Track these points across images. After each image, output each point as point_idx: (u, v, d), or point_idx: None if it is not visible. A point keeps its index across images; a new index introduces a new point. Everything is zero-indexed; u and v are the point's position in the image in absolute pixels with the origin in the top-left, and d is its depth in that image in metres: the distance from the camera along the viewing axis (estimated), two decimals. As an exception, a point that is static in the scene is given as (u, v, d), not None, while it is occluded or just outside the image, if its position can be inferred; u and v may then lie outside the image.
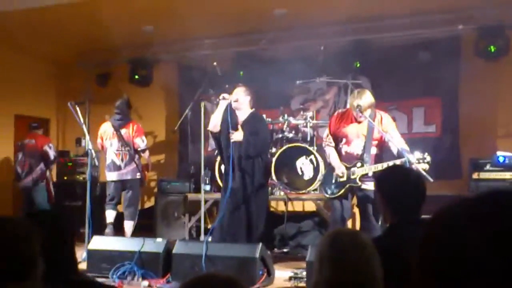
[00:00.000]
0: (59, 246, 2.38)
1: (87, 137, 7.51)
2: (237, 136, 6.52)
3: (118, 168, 8.27)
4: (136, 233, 8.23)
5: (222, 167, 7.18)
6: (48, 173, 9.40)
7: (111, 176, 8.30)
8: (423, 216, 3.03)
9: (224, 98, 6.60)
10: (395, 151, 5.89)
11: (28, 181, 9.12)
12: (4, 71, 9.87)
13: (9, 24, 8.81)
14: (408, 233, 2.78)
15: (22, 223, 1.77)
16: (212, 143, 8.89)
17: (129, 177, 8.28)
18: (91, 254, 6.39)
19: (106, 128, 8.44)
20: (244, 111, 6.75)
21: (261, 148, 6.67)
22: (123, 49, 10.13)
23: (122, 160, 8.27)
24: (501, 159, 7.69)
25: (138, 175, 8.35)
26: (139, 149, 8.33)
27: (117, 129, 8.32)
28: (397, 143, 5.87)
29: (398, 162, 5.63)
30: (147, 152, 8.53)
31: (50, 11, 8.31)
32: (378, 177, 3.58)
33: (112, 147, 8.31)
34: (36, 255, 1.68)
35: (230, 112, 6.58)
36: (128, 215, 8.32)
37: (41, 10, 8.19)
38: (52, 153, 9.30)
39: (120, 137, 8.28)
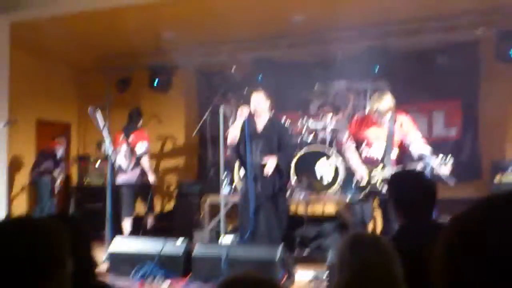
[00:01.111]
0: (80, 249, 2.40)
1: (107, 141, 7.56)
2: (270, 164, 6.49)
3: (124, 172, 8.54)
4: (156, 235, 8.28)
5: (242, 170, 7.18)
6: (56, 172, 9.72)
7: (118, 180, 8.54)
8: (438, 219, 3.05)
9: (242, 111, 6.54)
10: (415, 155, 5.87)
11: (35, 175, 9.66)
12: (26, 76, 9.98)
13: (32, 31, 8.92)
14: (418, 235, 2.81)
15: (50, 223, 1.80)
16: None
17: (133, 181, 8.53)
18: (112, 256, 6.43)
19: (119, 134, 8.84)
20: (263, 118, 6.72)
21: (290, 159, 6.69)
22: (143, 55, 10.21)
23: (128, 164, 8.57)
24: (522, 162, 7.65)
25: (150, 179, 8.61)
26: (137, 154, 8.53)
27: (125, 135, 8.72)
28: (417, 146, 5.85)
29: (418, 165, 5.62)
30: (145, 158, 8.60)
31: (73, 18, 8.40)
32: (389, 180, 3.60)
33: (121, 152, 8.62)
34: (65, 256, 1.70)
35: (248, 124, 6.53)
36: (146, 213, 8.86)
37: (64, 17, 8.29)
38: (59, 153, 9.79)
39: (128, 143, 8.62)
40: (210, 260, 5.92)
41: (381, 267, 2.29)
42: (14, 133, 8.64)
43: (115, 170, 8.43)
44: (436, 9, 8.16)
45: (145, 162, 8.58)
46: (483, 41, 8.83)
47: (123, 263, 6.22)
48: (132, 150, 8.59)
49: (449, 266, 0.99)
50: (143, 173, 8.56)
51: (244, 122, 6.53)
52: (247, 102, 6.78)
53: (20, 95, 9.21)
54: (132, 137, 8.68)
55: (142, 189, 8.67)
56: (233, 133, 6.63)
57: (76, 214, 9.62)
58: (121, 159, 8.60)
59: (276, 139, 6.58)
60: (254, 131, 6.61)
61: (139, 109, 9.22)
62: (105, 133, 7.57)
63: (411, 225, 3.05)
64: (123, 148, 8.66)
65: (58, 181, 9.72)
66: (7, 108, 8.31)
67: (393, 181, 3.44)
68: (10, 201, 8.99)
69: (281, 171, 6.65)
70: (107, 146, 7.57)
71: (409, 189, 3.14)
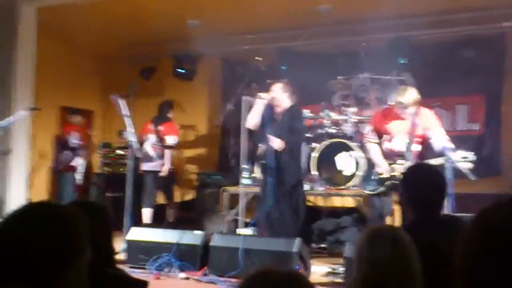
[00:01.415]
0: (99, 237, 2.40)
1: (129, 129, 7.57)
2: (276, 143, 6.50)
3: (150, 159, 8.97)
4: (175, 225, 8.34)
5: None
6: (77, 161, 9.68)
7: (144, 166, 8.97)
8: (458, 215, 3.03)
9: (260, 98, 6.61)
10: (437, 149, 5.79)
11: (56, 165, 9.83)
12: (50, 63, 10.04)
13: (57, 18, 8.97)
14: (426, 230, 2.79)
15: (70, 209, 1.80)
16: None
17: (157, 169, 8.96)
18: (130, 245, 6.45)
19: (148, 123, 9.20)
20: (283, 107, 6.74)
21: (294, 144, 6.67)
22: (167, 43, 10.22)
23: (155, 154, 9.01)
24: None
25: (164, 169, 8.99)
26: (167, 145, 9.04)
27: (155, 125, 9.13)
28: (440, 141, 5.76)
29: (440, 160, 5.54)
30: (169, 151, 9.11)
31: (97, 5, 8.42)
32: (402, 174, 3.58)
33: (149, 140, 9.04)
34: (84, 243, 1.70)
35: (268, 110, 6.57)
36: (168, 205, 9.36)
37: (88, 3, 8.32)
38: (72, 141, 9.70)
39: (157, 133, 9.04)
40: (227, 251, 5.92)
41: (400, 261, 2.28)
42: (37, 119, 8.70)
43: (141, 157, 8.61)
44: (462, 1, 8.02)
45: (169, 154, 9.01)
46: (509, 35, 8.68)
47: (140, 253, 6.24)
48: (161, 140, 9.01)
49: (475, 264, 0.99)
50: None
51: (264, 108, 6.56)
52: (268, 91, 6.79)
53: (44, 81, 9.25)
54: (162, 128, 9.04)
55: (165, 179, 9.05)
56: (252, 118, 6.66)
57: (97, 202, 9.66)
58: (149, 148, 9.00)
59: (291, 127, 6.58)
60: (272, 119, 6.62)
61: (171, 102, 9.59)
62: (128, 121, 7.58)
63: (419, 220, 3.04)
64: (151, 137, 9.05)
65: (80, 174, 9.71)
66: (32, 95, 8.38)
67: (404, 176, 3.45)
68: (30, 188, 9.03)
69: (298, 163, 6.66)
70: (130, 134, 7.58)
71: (417, 184, 3.14)
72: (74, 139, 9.60)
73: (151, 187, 8.94)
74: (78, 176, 9.52)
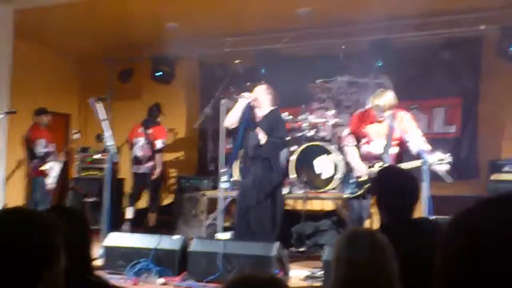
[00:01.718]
0: (76, 243, 2.37)
1: (107, 133, 7.50)
2: (261, 136, 6.48)
3: (140, 162, 9.28)
4: (154, 230, 8.29)
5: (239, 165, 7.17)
6: (46, 166, 9.17)
7: (134, 169, 9.33)
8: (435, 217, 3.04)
9: (243, 97, 6.59)
10: (414, 152, 5.83)
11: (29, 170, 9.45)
12: (27, 65, 9.94)
13: (34, 19, 8.90)
14: (398, 233, 2.80)
15: (45, 215, 1.77)
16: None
17: (147, 171, 9.23)
18: (108, 250, 6.37)
19: (138, 126, 9.53)
20: (263, 110, 6.74)
21: (275, 149, 6.66)
22: (146, 45, 10.18)
23: (144, 156, 9.28)
24: (519, 161, 7.59)
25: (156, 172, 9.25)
26: (156, 148, 9.26)
27: (145, 128, 9.40)
28: (417, 143, 5.80)
29: (417, 162, 5.57)
30: (160, 154, 9.38)
31: (76, 7, 8.38)
32: (373, 178, 3.59)
33: (138, 143, 9.33)
34: (60, 245, 1.67)
35: (248, 110, 6.56)
36: (150, 208, 9.42)
37: (67, 5, 8.27)
38: (39, 148, 9.17)
39: (147, 136, 9.30)
40: (206, 256, 5.88)
41: (378, 263, 2.28)
42: (13, 123, 8.60)
43: (118, 162, 8.64)
44: (439, 4, 8.08)
45: (159, 157, 9.29)
46: (486, 38, 8.77)
47: (118, 258, 6.17)
48: (150, 143, 9.28)
49: (456, 266, 0.97)
50: (154, 167, 9.24)
51: (245, 108, 6.54)
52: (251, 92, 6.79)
53: (21, 84, 9.16)
54: (151, 131, 9.35)
55: (154, 181, 9.32)
56: (232, 116, 6.63)
57: (75, 207, 9.55)
58: (138, 151, 9.33)
59: (271, 131, 6.57)
60: (253, 120, 6.60)
61: (159, 105, 9.73)
62: (106, 125, 7.51)
63: (391, 223, 3.04)
64: (141, 140, 9.33)
65: (54, 178, 9.26)
66: (8, 97, 8.29)
67: (377, 178, 3.46)
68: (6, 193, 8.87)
69: (276, 166, 6.65)
70: (107, 138, 7.50)
71: (387, 188, 3.13)
72: (41, 147, 9.13)
73: (137, 188, 9.37)
74: (50, 181, 9.20)
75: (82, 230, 2.53)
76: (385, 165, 5.90)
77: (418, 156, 5.72)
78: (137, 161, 9.33)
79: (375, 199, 3.26)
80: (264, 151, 6.51)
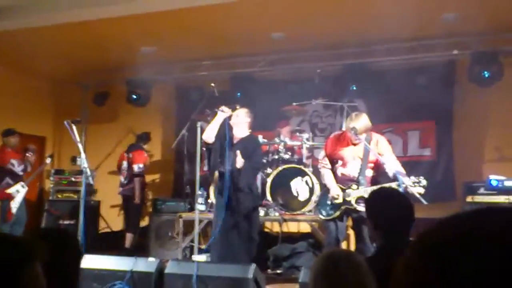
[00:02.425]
0: (65, 266, 2.33)
1: (83, 155, 7.46)
2: (239, 160, 6.48)
3: (122, 185, 9.64)
4: (129, 252, 8.22)
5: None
6: (12, 189, 8.89)
7: (120, 190, 9.65)
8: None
9: (223, 111, 6.58)
10: (390, 174, 5.90)
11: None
12: (1, 89, 9.88)
13: (8, 42, 8.86)
14: (396, 254, 2.79)
15: (24, 240, 1.70)
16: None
17: (127, 193, 9.50)
18: (82, 273, 6.30)
19: (125, 151, 9.91)
20: (240, 131, 6.73)
21: (252, 176, 6.66)
22: (121, 69, 10.17)
23: (125, 179, 9.60)
24: (494, 183, 7.68)
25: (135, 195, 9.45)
26: (134, 172, 9.47)
27: (127, 152, 9.74)
28: (392, 166, 5.88)
29: (393, 185, 5.64)
30: (138, 178, 9.54)
31: (50, 31, 8.35)
32: (367, 199, 3.58)
33: (122, 166, 9.71)
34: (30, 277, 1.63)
35: (227, 127, 6.54)
36: (128, 228, 9.57)
37: (40, 29, 8.23)
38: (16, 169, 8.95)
39: (128, 160, 9.63)
40: (182, 278, 5.83)
41: (355, 282, 2.28)
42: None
43: (93, 184, 8.60)
44: (413, 30, 8.23)
45: (137, 182, 9.45)
46: (458, 63, 8.94)
47: (93, 281, 6.11)
48: (130, 167, 9.57)
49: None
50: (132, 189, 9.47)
51: (223, 124, 6.53)
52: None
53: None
54: (131, 155, 9.61)
55: (135, 204, 9.46)
56: (210, 131, 6.61)
57: (64, 229, 9.34)
58: (121, 174, 9.68)
59: (248, 156, 6.56)
60: (230, 140, 6.60)
61: (149, 134, 10.10)
62: (81, 147, 7.47)
63: (390, 245, 3.03)
64: (124, 163, 9.69)
65: (18, 200, 8.91)
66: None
67: (371, 200, 3.42)
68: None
69: (253, 189, 6.66)
70: (82, 160, 7.46)
71: (388, 208, 3.12)
72: (17, 167, 8.90)
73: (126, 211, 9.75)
74: (15, 205, 8.87)
75: (75, 254, 2.48)
76: (361, 187, 5.98)
77: (394, 178, 5.79)
78: (120, 183, 9.68)
79: (369, 221, 3.25)
80: (241, 177, 6.49)
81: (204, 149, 7.05)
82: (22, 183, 8.95)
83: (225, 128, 6.51)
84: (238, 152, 6.45)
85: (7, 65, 10.21)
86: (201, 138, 6.82)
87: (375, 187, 5.82)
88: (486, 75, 8.33)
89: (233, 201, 6.47)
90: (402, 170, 5.87)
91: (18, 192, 8.87)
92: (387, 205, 3.16)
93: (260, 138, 8.00)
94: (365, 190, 5.89)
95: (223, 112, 6.58)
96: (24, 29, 8.25)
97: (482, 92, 8.58)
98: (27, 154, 9.05)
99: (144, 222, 10.05)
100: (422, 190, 5.54)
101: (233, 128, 6.72)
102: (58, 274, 1.66)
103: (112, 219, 10.67)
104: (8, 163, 8.86)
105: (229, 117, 6.61)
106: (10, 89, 10.37)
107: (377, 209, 3.19)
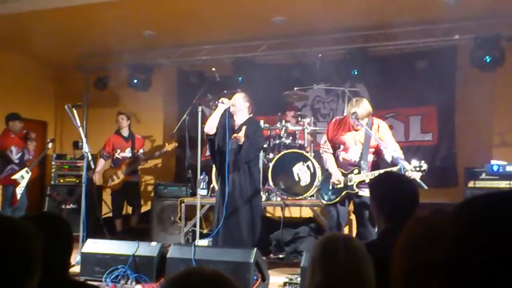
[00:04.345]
0: (57, 250, 2.35)
1: (84, 140, 7.48)
2: (241, 135, 6.51)
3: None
4: (131, 236, 8.25)
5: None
6: (17, 175, 8.92)
7: None
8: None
9: (222, 102, 6.60)
10: (389, 159, 5.91)
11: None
12: (2, 73, 9.87)
13: (9, 27, 8.84)
14: (396, 240, 2.78)
15: (23, 222, 1.73)
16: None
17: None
18: (85, 257, 6.34)
19: None
20: (241, 117, 6.75)
21: (252, 153, 6.67)
22: (122, 53, 10.14)
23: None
24: (495, 168, 7.68)
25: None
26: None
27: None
28: (392, 151, 5.88)
29: (394, 169, 5.65)
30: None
31: (53, 14, 8.33)
32: (372, 183, 3.57)
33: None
34: (38, 254, 1.66)
35: (228, 117, 6.57)
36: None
37: (41, 12, 8.21)
38: (14, 155, 8.94)
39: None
40: (184, 262, 5.86)
41: (353, 271, 2.27)
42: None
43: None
44: (415, 14, 8.20)
45: None
46: (460, 48, 8.91)
47: (95, 265, 6.15)
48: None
49: (463, 249, 1.08)
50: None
51: (224, 114, 6.55)
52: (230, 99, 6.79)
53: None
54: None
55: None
56: (212, 122, 6.62)
57: (57, 214, 9.38)
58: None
59: (248, 136, 6.59)
60: (231, 128, 6.62)
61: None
62: (82, 132, 7.49)
63: (394, 229, 3.02)
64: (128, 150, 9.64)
65: (23, 185, 8.97)
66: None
67: (376, 183, 3.40)
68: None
69: (256, 173, 6.68)
70: (84, 145, 7.48)
71: (393, 192, 3.10)
72: (15, 155, 8.90)
73: None
74: (20, 190, 8.89)
75: (65, 237, 2.50)
76: (362, 172, 5.99)
77: (394, 163, 5.80)
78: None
79: (373, 204, 3.24)
80: (244, 153, 6.51)
81: (206, 139, 7.05)
82: (26, 168, 8.97)
83: (226, 120, 6.53)
84: (243, 128, 6.50)
85: (8, 49, 10.19)
86: (202, 123, 6.82)
87: (376, 172, 5.84)
88: (488, 60, 8.31)
89: (235, 185, 6.49)
90: (402, 155, 5.87)
91: (23, 178, 8.89)
92: (394, 188, 3.14)
93: (262, 123, 8.00)
94: (367, 175, 5.92)
95: (223, 104, 6.59)
96: (26, 13, 8.23)
97: (484, 77, 8.56)
98: (28, 142, 9.05)
99: (146, 207, 10.08)
100: (421, 175, 5.56)
101: (234, 117, 6.74)
102: (50, 260, 1.69)
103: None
104: (7, 150, 8.86)
105: (229, 108, 6.64)
106: (11, 74, 10.36)
107: (384, 192, 3.18)
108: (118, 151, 9.44)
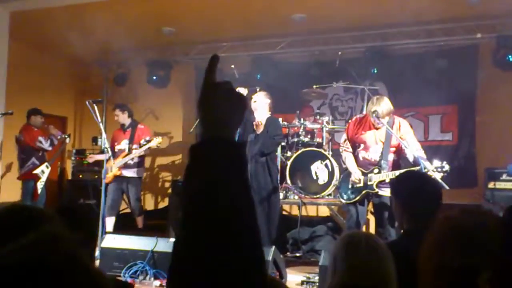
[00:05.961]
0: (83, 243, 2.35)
1: (104, 135, 7.52)
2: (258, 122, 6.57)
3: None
4: (149, 232, 8.27)
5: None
6: (38, 170, 8.91)
7: None
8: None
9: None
10: (411, 159, 5.84)
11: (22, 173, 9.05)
12: (23, 67, 9.93)
13: (30, 22, 8.88)
14: (419, 239, 2.75)
15: (46, 210, 1.75)
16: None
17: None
18: (104, 252, 6.35)
19: None
20: (261, 113, 6.76)
21: (269, 146, 6.67)
22: (142, 49, 10.17)
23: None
24: (515, 169, 7.62)
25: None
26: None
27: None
28: (414, 150, 5.82)
29: (414, 169, 5.59)
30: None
31: (72, 10, 8.36)
32: (394, 182, 3.54)
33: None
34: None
35: (247, 112, 6.56)
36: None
37: (62, 8, 8.25)
38: (45, 146, 8.99)
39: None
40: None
41: (375, 268, 2.26)
42: (9, 125, 8.57)
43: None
44: (437, 13, 8.14)
45: None
46: (482, 47, 8.82)
47: (114, 260, 6.16)
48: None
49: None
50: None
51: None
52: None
53: (17, 86, 9.13)
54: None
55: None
56: None
57: (84, 209, 9.36)
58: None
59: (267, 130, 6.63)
60: (251, 123, 6.64)
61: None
62: (102, 127, 7.52)
63: (416, 229, 2.98)
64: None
65: (43, 179, 8.95)
66: (4, 99, 8.26)
67: (401, 182, 3.35)
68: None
69: (273, 171, 6.68)
70: (103, 141, 7.52)
71: (418, 192, 3.06)
72: (45, 143, 8.92)
73: None
74: (40, 185, 8.86)
75: (89, 232, 2.51)
76: (383, 171, 5.94)
77: (415, 163, 5.74)
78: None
79: (396, 203, 3.20)
80: (259, 142, 6.53)
81: None
82: (46, 163, 9.01)
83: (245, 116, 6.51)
84: (263, 120, 6.52)
85: (29, 44, 10.24)
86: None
87: (397, 172, 5.78)
88: (511, 59, 8.22)
89: (253, 183, 6.48)
90: (423, 155, 5.81)
91: (43, 172, 8.94)
92: (419, 188, 3.10)
93: (280, 121, 7.98)
94: (387, 175, 5.86)
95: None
96: (47, 9, 8.28)
97: (506, 76, 8.47)
98: (52, 132, 9.07)
99: (164, 203, 10.10)
100: (442, 175, 5.50)
101: (254, 112, 6.75)
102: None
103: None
104: (36, 141, 8.89)
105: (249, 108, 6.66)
106: (32, 69, 10.41)
107: (408, 191, 3.14)
108: (116, 144, 9.18)
